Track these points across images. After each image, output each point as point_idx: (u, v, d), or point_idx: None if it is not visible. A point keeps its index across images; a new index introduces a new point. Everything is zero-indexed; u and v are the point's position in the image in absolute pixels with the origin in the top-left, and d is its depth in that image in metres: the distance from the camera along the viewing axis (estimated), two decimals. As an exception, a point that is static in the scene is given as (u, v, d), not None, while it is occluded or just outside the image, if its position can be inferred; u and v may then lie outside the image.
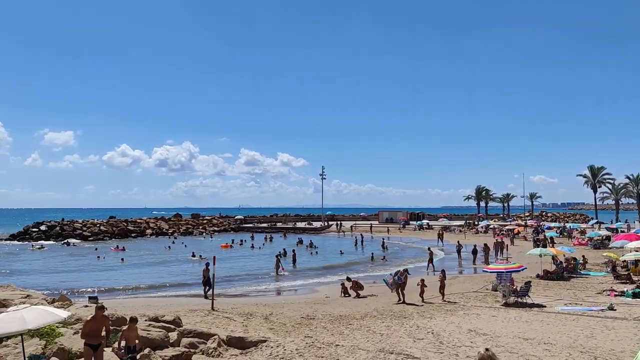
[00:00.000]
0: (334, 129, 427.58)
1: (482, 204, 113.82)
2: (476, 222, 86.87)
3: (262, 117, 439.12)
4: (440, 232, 61.95)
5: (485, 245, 39.84)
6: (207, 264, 25.62)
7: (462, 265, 38.63)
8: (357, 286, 25.17)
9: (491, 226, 73.27)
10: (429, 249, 39.77)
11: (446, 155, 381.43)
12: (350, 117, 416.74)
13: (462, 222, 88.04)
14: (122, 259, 43.84)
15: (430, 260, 36.21)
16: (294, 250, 43.00)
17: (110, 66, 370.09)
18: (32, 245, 59.27)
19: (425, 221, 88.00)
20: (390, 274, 23.61)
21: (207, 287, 25.09)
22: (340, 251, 49.72)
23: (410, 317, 18.29)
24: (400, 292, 21.89)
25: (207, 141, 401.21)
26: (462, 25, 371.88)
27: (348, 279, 26.99)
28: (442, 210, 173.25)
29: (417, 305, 20.77)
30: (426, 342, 14.09)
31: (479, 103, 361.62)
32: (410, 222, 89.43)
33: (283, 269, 35.28)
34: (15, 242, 66.75)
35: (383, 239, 57.81)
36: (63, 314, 9.77)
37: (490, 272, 24.01)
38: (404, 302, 21.40)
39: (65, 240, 66.44)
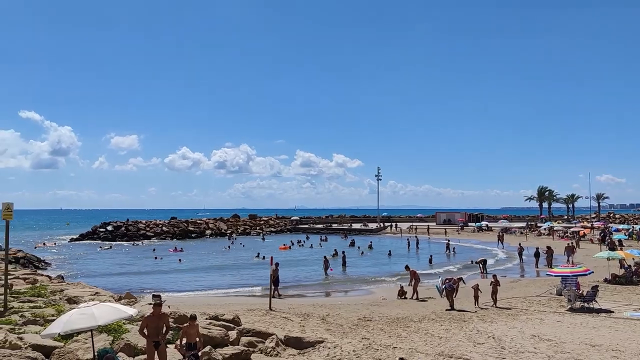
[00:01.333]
0: (389, 129, 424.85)
1: (545, 205, 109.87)
2: (538, 224, 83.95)
3: (317, 119, 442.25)
4: (501, 234, 60.27)
5: (548, 247, 38.38)
6: (277, 264, 26.62)
7: (524, 269, 37.43)
8: (415, 276, 24.76)
9: (555, 228, 70.64)
10: (477, 262, 38.23)
11: (506, 155, 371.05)
12: (406, 116, 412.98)
13: (523, 224, 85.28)
14: (180, 260, 45.09)
15: (483, 265, 35.31)
16: (343, 252, 42.83)
17: (171, 71, 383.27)
18: (101, 246, 62.01)
19: (484, 223, 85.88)
20: (440, 279, 22.91)
21: (275, 287, 26.08)
22: (390, 252, 49.49)
23: (469, 320, 17.89)
24: (450, 298, 21.04)
25: (263, 143, 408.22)
26: (524, 28, 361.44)
27: (407, 267, 26.86)
28: (502, 212, 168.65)
29: (474, 311, 20.25)
30: (487, 347, 13.75)
31: (541, 99, 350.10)
32: (469, 224, 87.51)
33: (332, 269, 35.38)
34: (85, 242, 70.12)
35: (448, 240, 56.31)
36: (130, 311, 10.16)
37: (555, 275, 23.14)
38: (452, 308, 20.48)
39: (133, 241, 69.33)
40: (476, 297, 20.97)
